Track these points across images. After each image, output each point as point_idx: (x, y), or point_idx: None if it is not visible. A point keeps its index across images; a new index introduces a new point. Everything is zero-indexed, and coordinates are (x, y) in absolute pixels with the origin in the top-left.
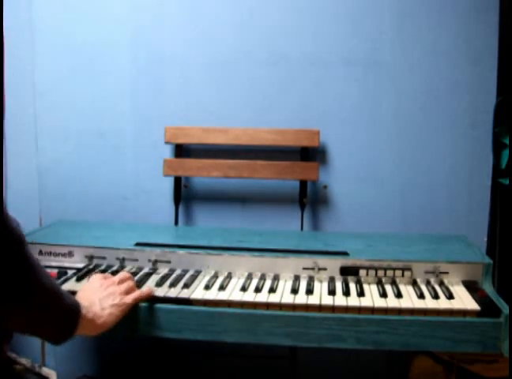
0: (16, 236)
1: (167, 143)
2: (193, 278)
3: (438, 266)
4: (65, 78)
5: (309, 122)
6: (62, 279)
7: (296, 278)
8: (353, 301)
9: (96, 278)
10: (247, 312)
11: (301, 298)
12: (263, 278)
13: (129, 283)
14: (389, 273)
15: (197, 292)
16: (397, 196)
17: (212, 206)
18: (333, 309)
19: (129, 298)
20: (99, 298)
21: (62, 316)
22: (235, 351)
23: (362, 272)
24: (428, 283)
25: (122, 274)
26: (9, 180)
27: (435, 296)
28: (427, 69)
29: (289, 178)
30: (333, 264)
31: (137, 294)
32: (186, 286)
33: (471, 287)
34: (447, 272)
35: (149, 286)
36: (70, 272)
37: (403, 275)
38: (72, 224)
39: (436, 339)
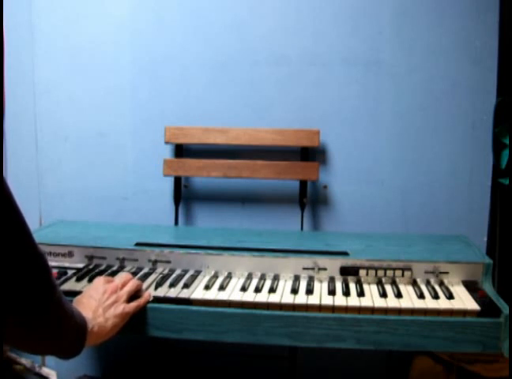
0: (42, 252)
1: (167, 143)
2: (193, 278)
3: (438, 266)
4: (65, 78)
5: (309, 122)
6: (62, 279)
7: (296, 278)
8: (353, 301)
9: (99, 282)
10: (247, 312)
11: (301, 298)
12: (263, 278)
13: (131, 286)
14: (389, 273)
15: (197, 292)
16: (397, 196)
17: (212, 206)
18: (333, 309)
19: (131, 308)
20: (103, 307)
21: (74, 333)
22: (235, 351)
23: (362, 272)
24: (428, 283)
25: (124, 276)
26: (9, 180)
27: (435, 296)
28: (427, 69)
29: (289, 178)
30: (333, 264)
31: (137, 302)
32: (186, 286)
33: (471, 287)
34: (447, 272)
35: (149, 286)
36: (70, 272)
37: (403, 275)
38: (72, 224)
39: (436, 339)
